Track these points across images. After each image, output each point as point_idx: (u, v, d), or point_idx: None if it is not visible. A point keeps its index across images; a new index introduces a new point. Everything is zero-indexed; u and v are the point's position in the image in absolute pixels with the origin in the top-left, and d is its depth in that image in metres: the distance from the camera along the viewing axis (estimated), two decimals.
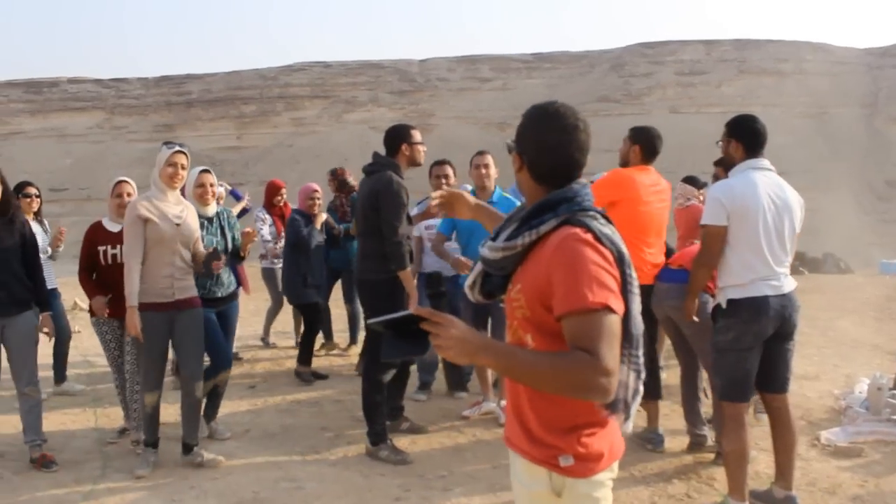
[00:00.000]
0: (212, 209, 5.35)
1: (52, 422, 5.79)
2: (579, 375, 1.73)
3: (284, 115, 69.09)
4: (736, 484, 3.92)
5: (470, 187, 5.65)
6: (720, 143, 4.14)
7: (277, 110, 69.61)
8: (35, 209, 6.59)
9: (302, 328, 7.43)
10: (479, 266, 2.13)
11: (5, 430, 5.55)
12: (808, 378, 6.77)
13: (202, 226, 5.20)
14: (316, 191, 7.27)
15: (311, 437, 5.41)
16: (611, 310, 1.79)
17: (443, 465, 4.72)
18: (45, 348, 5.09)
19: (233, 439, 5.33)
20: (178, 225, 4.61)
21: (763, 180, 3.92)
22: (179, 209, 4.69)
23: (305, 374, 7.00)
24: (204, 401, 5.08)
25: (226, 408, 5.95)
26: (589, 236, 1.87)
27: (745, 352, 3.90)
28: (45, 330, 4.94)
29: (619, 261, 1.89)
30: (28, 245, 4.86)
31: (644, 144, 4.94)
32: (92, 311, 5.12)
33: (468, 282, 2.17)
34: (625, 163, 5.00)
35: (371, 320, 1.84)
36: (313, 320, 7.12)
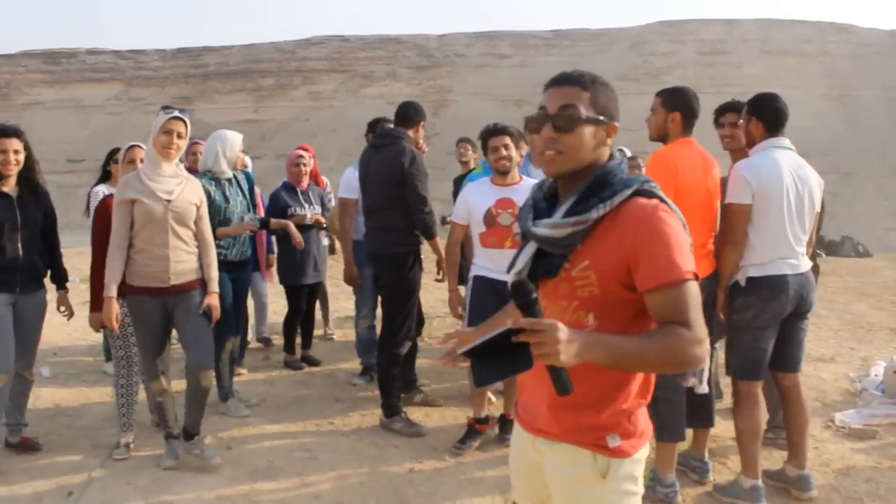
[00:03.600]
0: (229, 171, 5.25)
1: (71, 389, 5.88)
2: (683, 352, 1.73)
3: (302, 89, 68.99)
4: (750, 461, 3.91)
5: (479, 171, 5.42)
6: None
7: (295, 84, 69.52)
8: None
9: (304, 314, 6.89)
10: (528, 250, 1.94)
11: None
12: (823, 360, 6.74)
13: (225, 187, 5.17)
14: (301, 156, 6.56)
15: (326, 407, 5.44)
16: (696, 276, 1.81)
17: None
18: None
19: (248, 409, 5.36)
20: (168, 201, 4.15)
21: (785, 159, 3.89)
22: (175, 182, 4.23)
23: (293, 362, 6.65)
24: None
25: (241, 378, 6.00)
26: (666, 207, 1.85)
27: (762, 330, 3.88)
28: (63, 309, 4.75)
29: (686, 233, 1.89)
30: (49, 219, 4.64)
31: (685, 111, 4.01)
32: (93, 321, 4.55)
33: (517, 268, 1.95)
34: (661, 136, 4.07)
35: (463, 349, 1.69)
36: (297, 304, 6.63)
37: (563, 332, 1.58)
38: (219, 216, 5.08)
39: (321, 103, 67.45)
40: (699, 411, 4.11)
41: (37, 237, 4.53)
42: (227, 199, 5.18)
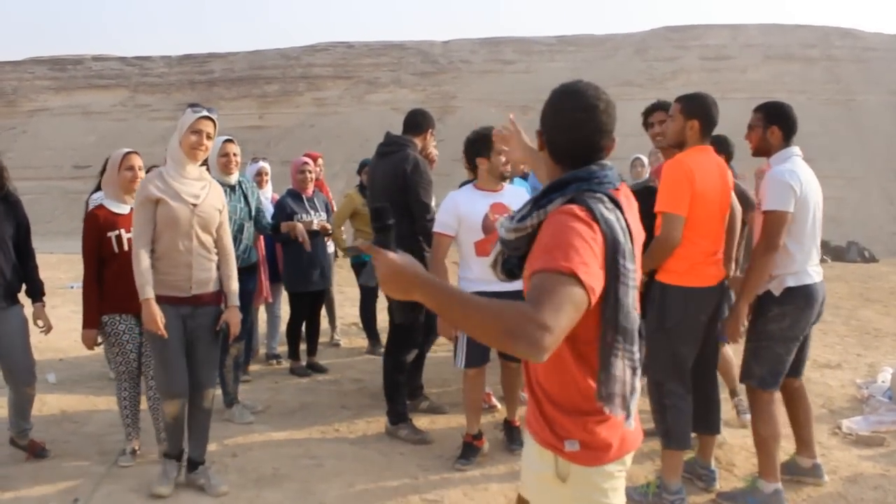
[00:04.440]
0: (234, 178, 5.29)
1: (77, 395, 5.89)
2: (510, 321, 1.60)
3: (307, 95, 69.18)
4: (771, 466, 3.95)
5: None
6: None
7: (300, 90, 69.70)
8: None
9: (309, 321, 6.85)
10: (498, 245, 2.09)
11: None
12: (830, 367, 6.72)
13: (225, 193, 5.03)
14: (306, 163, 6.56)
15: (331, 414, 5.44)
16: (578, 281, 1.70)
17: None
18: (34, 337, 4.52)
19: (253, 415, 5.35)
20: (194, 205, 3.91)
21: (806, 167, 3.96)
22: (200, 186, 3.99)
23: (298, 368, 6.59)
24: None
25: (246, 385, 6.00)
26: (583, 213, 1.83)
27: (796, 340, 3.94)
28: (40, 323, 4.44)
29: (613, 248, 1.83)
30: (22, 228, 4.36)
31: (703, 118, 3.90)
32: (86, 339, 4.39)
33: (489, 261, 2.14)
34: (678, 143, 3.96)
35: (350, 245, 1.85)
36: (300, 311, 6.60)
37: (392, 261, 1.71)
38: None
39: (326, 109, 67.58)
40: (705, 418, 4.10)
41: (7, 249, 4.25)
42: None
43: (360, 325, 7.73)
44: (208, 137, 3.94)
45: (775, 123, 3.97)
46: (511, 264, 2.07)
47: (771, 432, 3.93)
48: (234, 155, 5.26)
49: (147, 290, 3.81)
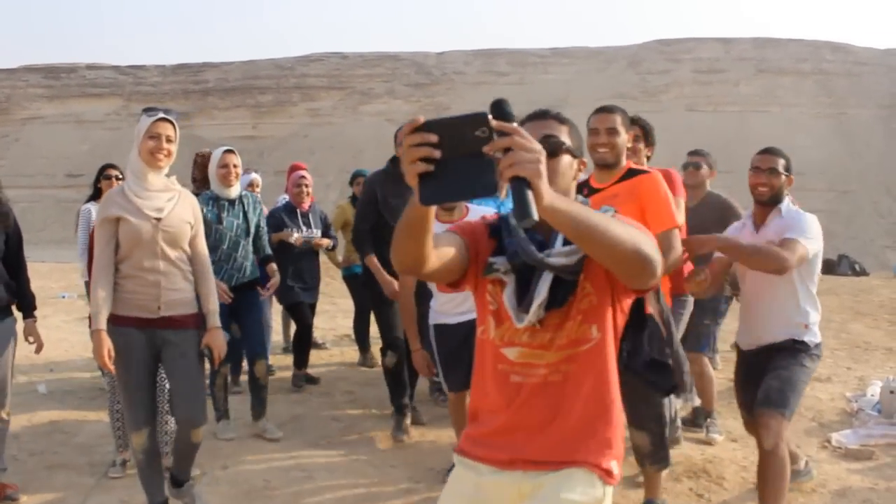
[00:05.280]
0: (234, 191, 5.10)
1: (67, 406, 5.87)
2: (643, 244, 1.70)
3: (301, 106, 69.12)
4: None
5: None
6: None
7: (294, 100, 69.64)
8: None
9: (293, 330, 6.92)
10: (545, 281, 1.90)
11: None
12: (820, 380, 6.74)
13: (223, 208, 5.03)
14: (304, 176, 6.41)
15: (322, 427, 5.44)
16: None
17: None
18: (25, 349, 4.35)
19: (243, 427, 5.32)
20: (157, 220, 3.56)
21: None
22: (166, 198, 3.63)
23: (298, 377, 6.55)
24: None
25: (237, 396, 5.99)
26: None
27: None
28: (31, 339, 4.22)
29: None
30: (12, 240, 4.11)
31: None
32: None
33: (539, 300, 1.90)
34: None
35: (428, 120, 1.48)
36: (302, 322, 6.49)
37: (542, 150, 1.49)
38: (208, 237, 4.59)
39: (320, 120, 67.56)
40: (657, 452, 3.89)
41: None
42: (219, 220, 5.04)
43: (353, 336, 7.73)
44: (168, 141, 3.58)
45: (791, 173, 3.87)
46: (566, 291, 1.92)
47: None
48: (235, 166, 5.08)
49: (99, 321, 3.48)
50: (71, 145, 66.70)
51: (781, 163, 3.79)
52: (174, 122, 3.63)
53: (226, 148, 5.16)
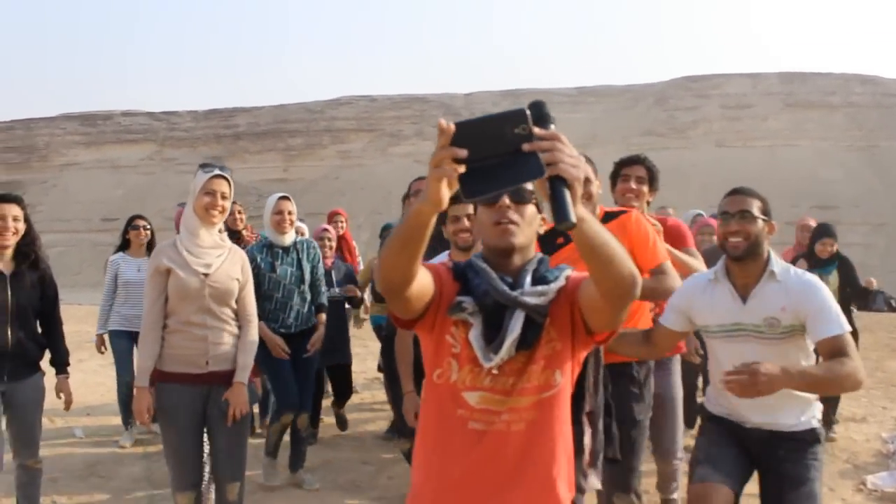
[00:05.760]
0: (288, 238, 5.01)
1: (104, 449, 5.96)
2: (634, 265, 1.74)
3: (331, 148, 70.03)
4: None
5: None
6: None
7: (324, 143, 70.59)
8: (143, 242, 6.26)
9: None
10: (517, 320, 1.91)
11: None
12: (855, 420, 6.66)
13: (276, 255, 4.97)
14: (326, 230, 6.20)
15: (352, 470, 5.46)
16: None
17: None
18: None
19: (279, 479, 5.21)
20: (205, 275, 3.55)
21: None
22: (215, 255, 3.62)
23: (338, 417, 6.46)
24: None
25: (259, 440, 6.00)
26: None
27: None
28: (62, 396, 4.19)
29: None
30: (49, 298, 4.10)
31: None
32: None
33: (511, 339, 1.89)
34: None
35: (460, 121, 1.48)
36: (336, 384, 6.39)
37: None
38: (262, 286, 4.82)
39: (350, 162, 68.35)
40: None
41: (31, 320, 4.01)
42: (273, 268, 4.95)
43: (382, 379, 7.74)
44: (223, 198, 3.59)
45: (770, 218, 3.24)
46: (537, 331, 1.93)
47: None
48: (290, 213, 5.02)
49: (144, 378, 3.51)
50: (106, 190, 68.02)
51: (756, 204, 2.98)
52: (230, 178, 3.65)
53: (280, 195, 5.12)
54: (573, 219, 1.46)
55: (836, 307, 2.79)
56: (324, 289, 5.28)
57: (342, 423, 6.61)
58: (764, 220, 2.93)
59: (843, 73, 64.46)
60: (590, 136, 56.55)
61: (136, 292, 5.99)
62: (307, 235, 6.25)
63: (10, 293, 3.86)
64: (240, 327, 3.70)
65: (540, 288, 1.93)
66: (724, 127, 60.34)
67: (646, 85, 69.54)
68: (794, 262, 6.21)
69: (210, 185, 3.55)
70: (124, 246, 6.29)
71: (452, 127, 1.47)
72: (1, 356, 3.87)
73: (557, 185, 1.47)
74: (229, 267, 3.65)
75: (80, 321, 12.65)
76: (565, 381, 1.96)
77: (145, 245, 6.26)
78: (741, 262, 2.90)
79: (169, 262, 3.54)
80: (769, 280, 2.88)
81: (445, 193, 1.53)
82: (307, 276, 5.09)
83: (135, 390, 3.52)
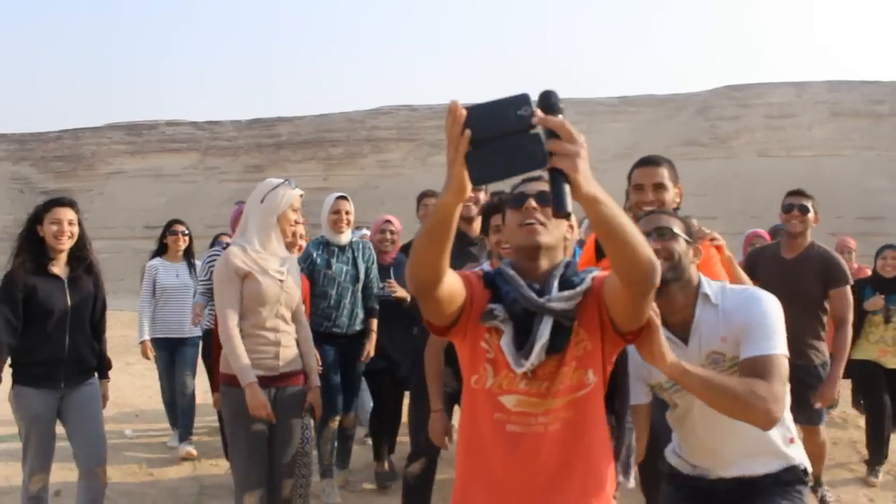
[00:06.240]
0: (345, 237, 5.02)
1: (153, 450, 6.09)
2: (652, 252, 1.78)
3: (371, 158, 70.45)
4: None
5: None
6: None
7: (364, 152, 71.04)
8: (182, 248, 6.33)
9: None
10: (545, 325, 1.94)
11: None
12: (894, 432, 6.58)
13: (332, 253, 4.96)
14: (389, 221, 5.56)
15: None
16: None
17: None
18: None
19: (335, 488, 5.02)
20: (281, 282, 3.69)
21: None
22: (280, 262, 3.75)
23: (384, 473, 5.39)
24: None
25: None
26: None
27: None
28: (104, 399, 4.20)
29: None
30: (100, 303, 4.10)
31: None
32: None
33: (541, 343, 1.92)
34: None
35: (467, 105, 1.52)
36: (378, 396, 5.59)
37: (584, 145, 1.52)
38: (317, 283, 4.88)
39: (389, 171, 68.73)
40: None
41: (86, 325, 3.99)
42: (329, 265, 4.95)
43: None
44: (294, 211, 3.80)
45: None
46: (566, 335, 1.96)
47: None
48: (347, 213, 5.02)
49: (250, 374, 3.54)
50: (150, 198, 69.14)
51: (677, 224, 2.45)
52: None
53: (339, 194, 5.13)
54: (568, 209, 1.51)
55: (777, 324, 2.27)
56: (377, 290, 5.16)
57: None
58: (688, 241, 2.41)
59: (891, 81, 63.28)
60: (631, 145, 56.10)
61: (174, 298, 6.16)
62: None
63: (68, 298, 3.85)
64: (297, 332, 3.84)
65: (567, 293, 1.96)
66: (767, 136, 59.51)
67: (688, 94, 68.97)
68: (862, 292, 5.57)
69: (297, 202, 3.77)
70: (161, 251, 6.33)
71: (464, 111, 1.52)
72: (58, 362, 3.83)
73: (556, 174, 1.51)
74: (294, 273, 3.83)
75: (125, 326, 12.95)
76: (598, 380, 1.98)
77: (183, 251, 6.33)
78: (665, 292, 2.30)
79: (246, 266, 3.62)
80: (705, 307, 2.37)
81: (467, 179, 1.55)
82: (361, 276, 5.04)
83: (246, 389, 3.51)
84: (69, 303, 3.84)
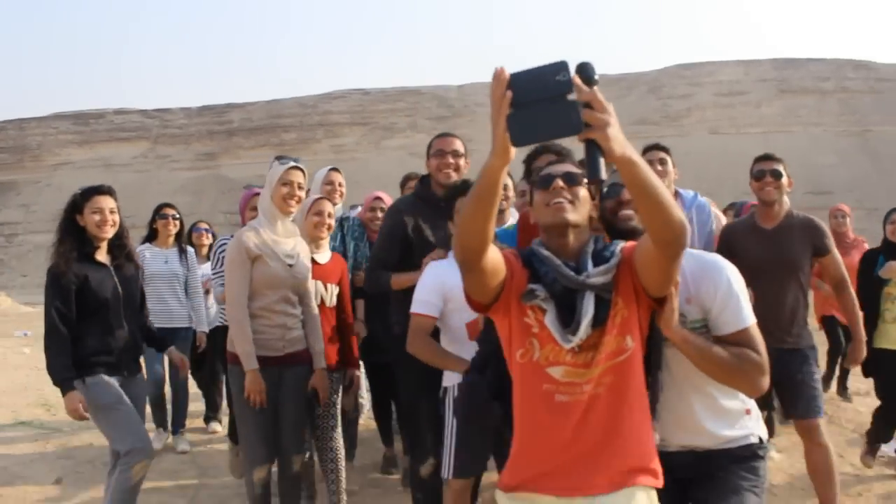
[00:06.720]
0: (337, 209, 4.78)
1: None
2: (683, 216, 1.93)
3: (324, 143, 69.97)
4: None
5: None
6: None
7: (317, 137, 70.52)
8: (172, 233, 6.05)
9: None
10: (588, 302, 2.04)
11: None
12: (859, 394, 7.00)
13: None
14: (379, 198, 5.18)
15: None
16: None
17: None
18: None
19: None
20: (290, 266, 3.77)
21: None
22: (291, 245, 3.83)
23: (392, 459, 5.39)
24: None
25: None
26: None
27: None
28: (176, 362, 4.36)
29: None
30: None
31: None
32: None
33: (587, 318, 2.01)
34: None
35: (512, 72, 1.63)
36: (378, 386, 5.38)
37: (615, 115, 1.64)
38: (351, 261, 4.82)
39: (344, 156, 68.23)
40: None
41: (137, 312, 4.00)
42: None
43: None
44: (299, 188, 3.79)
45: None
46: (607, 307, 2.06)
47: None
48: (340, 185, 4.94)
49: (252, 360, 3.62)
50: None
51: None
52: (304, 170, 3.84)
53: (331, 167, 5.06)
54: (602, 175, 1.63)
55: (743, 293, 2.33)
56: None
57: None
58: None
59: (836, 59, 64.60)
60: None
61: (162, 286, 5.83)
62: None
63: (119, 286, 3.82)
64: (304, 313, 3.91)
65: (602, 267, 2.07)
66: (718, 114, 60.48)
67: (639, 73, 69.66)
68: (873, 261, 5.34)
69: (287, 175, 3.75)
70: (151, 236, 6.01)
71: (507, 75, 1.63)
72: (120, 351, 3.79)
73: (590, 143, 1.62)
74: (304, 257, 3.89)
75: None
76: (637, 345, 2.09)
77: (173, 236, 6.03)
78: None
79: (258, 249, 3.69)
80: None
81: (509, 142, 1.64)
82: (350, 253, 4.94)
83: (248, 375, 3.59)
84: (120, 291, 3.83)
